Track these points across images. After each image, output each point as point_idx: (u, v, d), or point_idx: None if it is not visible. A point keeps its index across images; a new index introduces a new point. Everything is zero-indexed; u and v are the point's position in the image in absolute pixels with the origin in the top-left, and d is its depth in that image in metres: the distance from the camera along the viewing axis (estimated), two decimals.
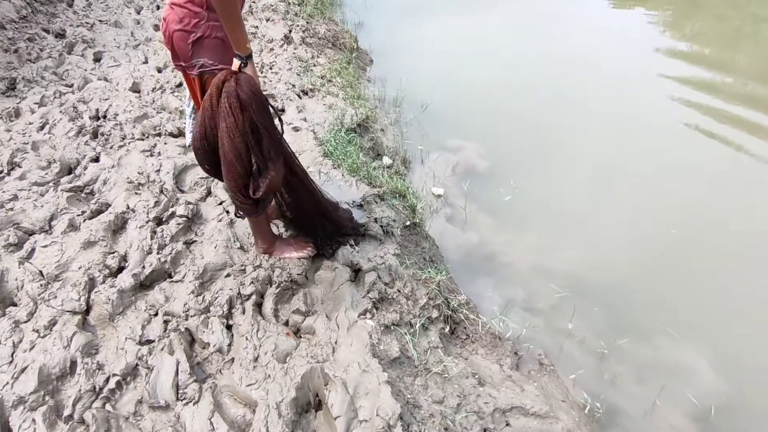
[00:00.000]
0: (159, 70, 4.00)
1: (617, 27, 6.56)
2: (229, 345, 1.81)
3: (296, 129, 3.17)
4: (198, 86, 1.64)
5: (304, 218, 2.09)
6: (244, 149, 1.57)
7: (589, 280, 2.69)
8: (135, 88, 3.68)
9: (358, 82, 4.51)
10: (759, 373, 2.29)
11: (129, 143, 2.97)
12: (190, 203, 2.42)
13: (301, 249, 2.14)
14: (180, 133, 3.09)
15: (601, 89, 4.74)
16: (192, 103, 1.87)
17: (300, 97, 3.70)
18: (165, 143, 2.99)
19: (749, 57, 5.58)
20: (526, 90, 4.75)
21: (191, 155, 2.90)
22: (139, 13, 5.52)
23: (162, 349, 1.77)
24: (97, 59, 4.28)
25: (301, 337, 1.87)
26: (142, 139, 3.03)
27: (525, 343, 2.36)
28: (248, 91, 1.50)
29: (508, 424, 1.96)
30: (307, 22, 5.42)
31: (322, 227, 2.14)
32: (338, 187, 2.59)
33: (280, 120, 1.69)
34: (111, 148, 2.96)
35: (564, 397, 2.15)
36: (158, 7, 5.77)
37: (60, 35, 4.66)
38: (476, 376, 2.08)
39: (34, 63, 4.09)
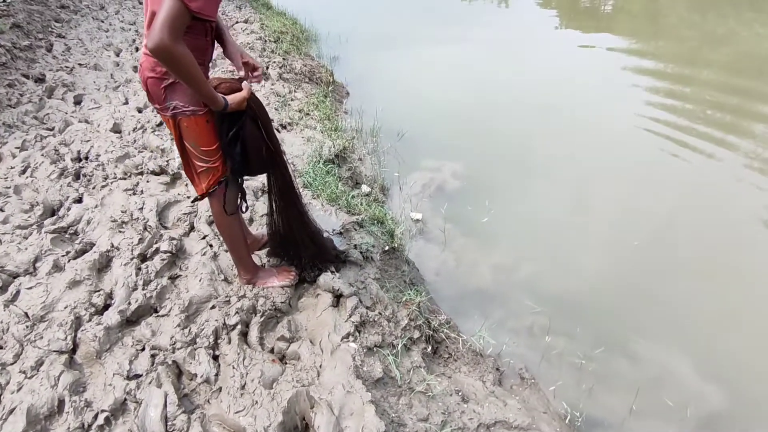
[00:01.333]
0: (139, 110, 4.09)
1: (585, 51, 6.89)
2: (216, 375, 1.85)
3: None
4: (173, 127, 1.73)
5: (291, 236, 2.17)
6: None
7: (563, 295, 2.79)
8: (116, 129, 3.76)
9: (336, 115, 4.65)
10: (731, 372, 2.39)
11: (111, 183, 3.03)
12: (173, 239, 2.48)
13: (283, 277, 2.21)
14: (162, 171, 3.16)
15: (571, 109, 4.97)
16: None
17: (279, 132, 3.82)
18: (147, 181, 3.05)
19: (711, 71, 5.91)
20: (500, 114, 4.96)
21: (174, 191, 2.97)
22: (118, 55, 5.64)
23: (150, 383, 1.80)
24: (78, 102, 4.36)
25: (286, 363, 1.93)
26: (125, 178, 3.09)
27: (506, 359, 2.44)
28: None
29: None
30: (284, 59, 5.59)
31: (306, 248, 2.21)
32: (318, 216, 2.67)
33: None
34: (94, 188, 3.01)
35: (545, 408, 2.23)
36: (137, 49, 5.90)
37: (40, 80, 4.74)
38: (460, 393, 2.15)
39: (14, 108, 4.15)
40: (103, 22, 6.78)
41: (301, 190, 2.73)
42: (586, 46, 7.09)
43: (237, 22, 7.09)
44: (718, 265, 3.02)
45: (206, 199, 1.91)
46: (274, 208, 2.10)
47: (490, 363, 2.37)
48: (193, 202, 1.94)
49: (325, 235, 2.45)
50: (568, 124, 4.70)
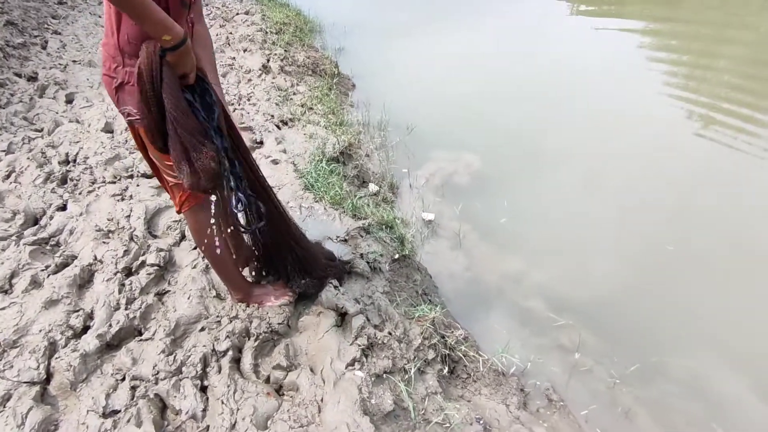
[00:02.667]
0: None
1: (599, 36, 6.55)
2: (204, 410, 1.62)
3: (275, 162, 3.03)
4: (135, 135, 1.48)
5: (274, 250, 1.90)
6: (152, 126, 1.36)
7: (593, 306, 2.53)
8: (107, 129, 3.54)
9: (341, 108, 4.39)
10: None
11: (99, 188, 2.81)
12: (162, 250, 2.26)
13: (281, 294, 1.96)
14: (153, 174, 2.94)
15: (587, 98, 4.67)
16: None
17: (279, 128, 3.57)
18: (137, 185, 2.83)
19: (732, 53, 5.55)
20: (513, 105, 4.66)
21: (165, 196, 2.74)
22: None
23: (128, 421, 1.58)
24: (70, 101, 4.15)
25: (283, 395, 1.69)
26: (114, 182, 2.87)
27: (531, 379, 2.19)
28: (142, 63, 1.27)
29: None
30: (286, 51, 5.33)
31: (293, 261, 1.92)
32: (321, 222, 2.43)
33: (212, 105, 1.44)
34: (80, 194, 2.80)
35: None
36: None
37: (32, 78, 4.53)
38: (481, 422, 1.91)
39: (3, 108, 3.94)
40: (100, 17, 6.56)
41: (302, 191, 2.49)
42: (600, 29, 6.74)
43: (237, 14, 6.82)
44: (761, 266, 2.72)
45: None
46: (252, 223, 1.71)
47: (513, 383, 2.12)
48: (178, 213, 1.66)
49: (327, 244, 2.21)
50: (584, 113, 4.39)
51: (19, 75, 4.55)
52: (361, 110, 4.52)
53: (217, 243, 1.65)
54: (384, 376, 1.78)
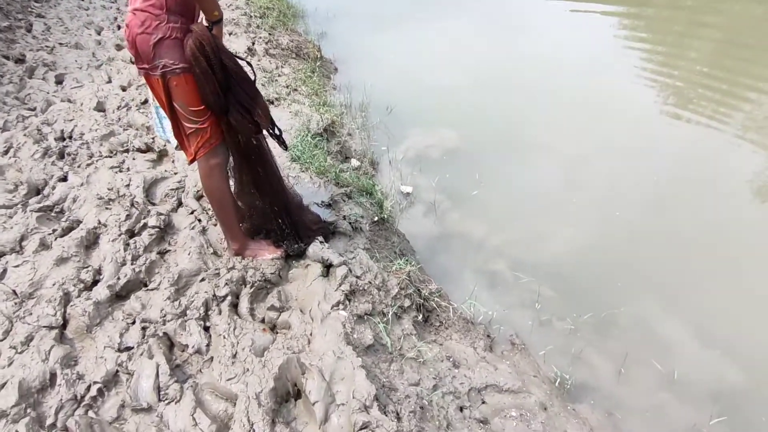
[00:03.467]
0: (123, 89, 4.02)
1: (577, 23, 6.81)
2: (208, 345, 1.86)
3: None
4: (161, 87, 1.71)
5: (271, 212, 2.15)
6: (216, 89, 1.73)
7: (552, 265, 2.81)
8: (100, 108, 3.69)
9: (324, 90, 4.59)
10: (718, 334, 2.43)
11: (97, 161, 2.99)
12: (161, 214, 2.46)
13: (273, 251, 2.20)
14: (148, 149, 3.12)
15: (565, 82, 4.93)
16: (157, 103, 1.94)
17: None
18: (134, 158, 3.02)
19: (701, 45, 5.88)
20: (490, 89, 4.92)
21: (161, 168, 2.94)
22: (99, 33, 5.51)
23: (141, 355, 1.81)
24: (59, 81, 4.27)
25: (277, 332, 1.94)
26: (110, 156, 3.05)
27: (496, 326, 2.47)
28: (197, 37, 1.65)
29: (483, 402, 2.06)
30: (270, 34, 5.49)
31: (285, 216, 2.17)
32: (307, 189, 2.66)
33: (250, 65, 1.87)
34: (79, 167, 2.97)
35: (535, 372, 2.26)
36: (119, 27, 5.77)
37: (20, 60, 4.62)
38: (451, 359, 2.18)
39: None
40: (83, 0, 6.60)
41: (290, 162, 2.71)
42: (576, 11, 7.02)
43: None
44: (706, 232, 3.05)
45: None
46: (248, 169, 2.03)
47: (480, 330, 2.39)
48: (190, 163, 1.91)
49: (312, 207, 2.44)
50: (559, 96, 4.67)
51: (6, 57, 4.64)
52: (343, 92, 4.72)
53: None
54: (365, 317, 2.03)
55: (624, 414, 2.12)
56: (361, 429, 1.51)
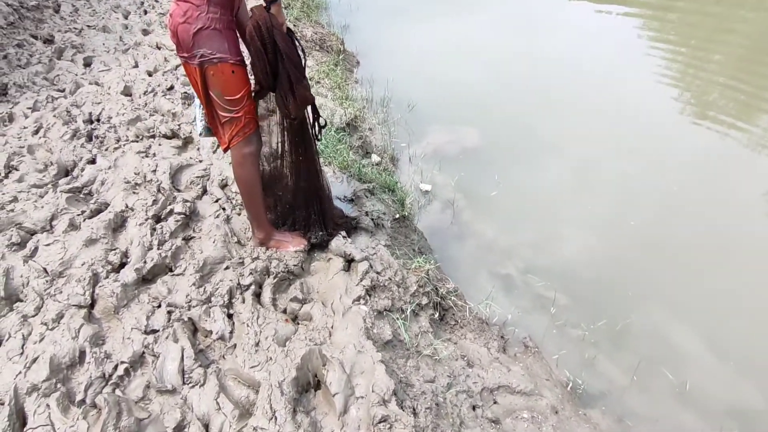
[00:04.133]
0: (150, 74, 4.07)
1: (599, 24, 6.76)
2: (231, 332, 1.91)
3: None
4: (199, 75, 1.77)
5: (302, 201, 2.27)
6: (266, 68, 1.84)
7: (568, 270, 2.83)
8: (127, 92, 3.75)
9: (346, 84, 4.62)
10: (733, 347, 2.44)
11: (124, 145, 3.05)
12: (187, 201, 2.51)
13: (298, 242, 2.24)
14: (174, 135, 3.17)
15: (586, 84, 4.92)
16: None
17: None
18: (159, 144, 3.07)
19: (725, 52, 5.81)
20: (512, 88, 4.91)
21: (186, 155, 2.99)
22: (126, 18, 5.57)
23: (167, 338, 1.86)
24: (87, 64, 4.34)
25: (299, 323, 1.98)
26: (137, 141, 3.11)
27: (511, 328, 2.50)
28: (254, 18, 1.78)
29: (495, 402, 2.09)
30: (294, 26, 5.51)
31: (316, 213, 2.28)
32: (331, 183, 2.69)
33: (301, 48, 1.94)
34: (107, 150, 3.03)
35: (548, 375, 2.29)
36: (145, 12, 5.83)
37: (48, 41, 4.70)
38: (465, 358, 2.21)
39: (24, 69, 4.13)
40: None
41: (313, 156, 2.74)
42: (601, 12, 6.97)
43: None
44: (723, 242, 3.04)
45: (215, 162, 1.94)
46: (291, 150, 2.16)
47: (495, 331, 2.42)
48: (225, 151, 2.00)
49: (336, 202, 2.48)
50: (580, 97, 4.66)
51: (35, 37, 4.72)
52: (365, 86, 4.75)
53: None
54: (384, 313, 2.07)
55: (635, 421, 2.14)
56: (379, 422, 1.55)
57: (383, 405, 1.61)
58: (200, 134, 2.09)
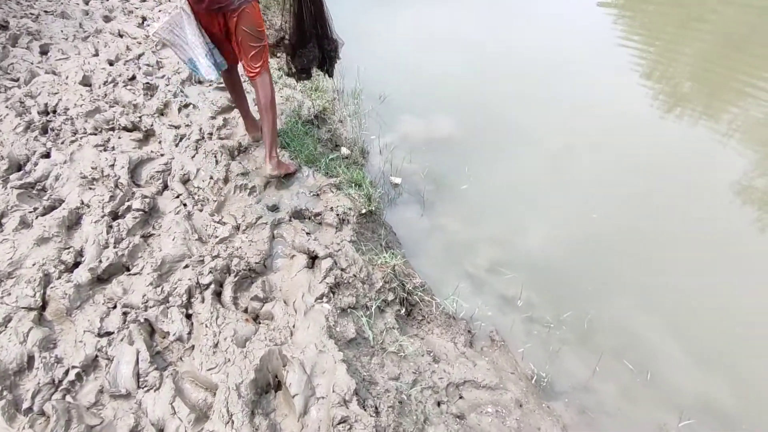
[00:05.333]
0: (111, 63, 3.92)
1: (575, 14, 6.78)
2: (189, 333, 1.86)
3: None
4: (231, 18, 2.19)
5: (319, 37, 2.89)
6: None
7: (535, 264, 2.84)
8: (86, 82, 3.60)
9: (316, 74, 4.52)
10: (693, 336, 2.49)
11: (81, 138, 2.93)
12: (146, 197, 2.43)
13: (293, 166, 2.72)
14: (134, 127, 3.06)
15: (559, 76, 4.92)
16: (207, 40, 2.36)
17: None
18: (119, 137, 2.96)
19: (696, 44, 5.91)
20: (485, 79, 4.88)
21: (147, 149, 2.89)
22: (87, 3, 5.34)
23: (122, 340, 1.80)
24: (44, 52, 4.15)
25: (260, 322, 1.94)
26: (95, 134, 2.99)
27: (478, 322, 2.50)
28: None
29: (461, 397, 2.09)
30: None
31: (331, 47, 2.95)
32: (296, 177, 2.64)
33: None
34: (62, 143, 2.91)
35: (513, 369, 2.30)
36: None
37: (2, 27, 4.48)
38: (431, 354, 2.21)
39: None
40: None
41: (279, 149, 2.69)
42: (578, 2, 7.01)
43: None
44: (689, 233, 3.09)
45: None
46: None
47: (462, 325, 2.42)
48: (253, 78, 2.44)
49: (300, 197, 2.44)
50: (554, 89, 4.66)
51: None
52: (335, 77, 4.66)
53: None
54: (348, 310, 2.04)
55: (597, 412, 2.17)
56: (339, 423, 1.53)
57: (344, 405, 1.59)
58: (214, 80, 2.47)
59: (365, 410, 1.62)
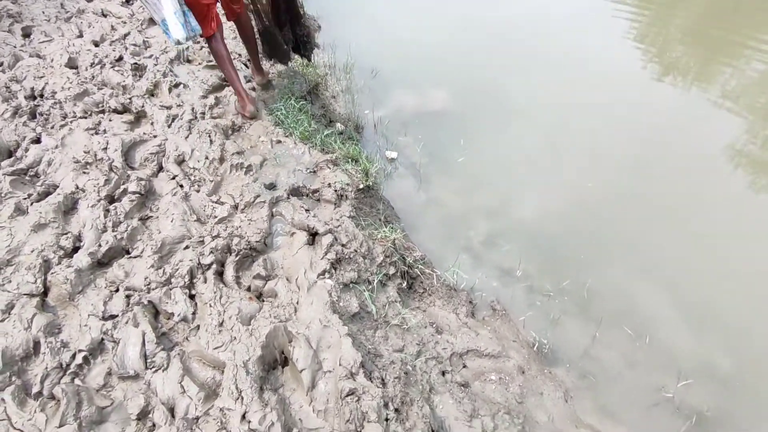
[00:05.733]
0: (96, 44, 3.83)
1: None
2: (194, 313, 1.86)
3: None
4: None
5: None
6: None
7: (534, 234, 2.85)
8: (72, 64, 3.52)
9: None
10: (690, 301, 2.52)
11: (71, 122, 2.88)
12: (141, 179, 2.41)
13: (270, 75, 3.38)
14: (125, 109, 3.01)
15: (553, 45, 4.84)
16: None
17: (247, 66, 3.65)
18: (110, 120, 2.91)
19: (688, 12, 5.83)
20: (475, 48, 4.81)
21: (139, 130, 2.85)
22: None
23: (126, 323, 1.80)
24: (27, 35, 4.04)
25: (263, 300, 1.95)
26: (85, 117, 2.94)
27: (479, 292, 2.53)
28: None
29: (464, 366, 2.13)
30: None
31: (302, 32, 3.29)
32: (291, 154, 2.62)
33: None
34: (52, 128, 2.86)
35: (515, 337, 2.34)
36: None
37: None
38: (434, 325, 2.23)
39: None
40: None
41: (273, 126, 2.65)
42: None
43: None
44: (684, 199, 3.10)
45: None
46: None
47: (463, 296, 2.45)
48: (233, 19, 2.88)
49: (297, 174, 2.42)
50: (545, 58, 4.60)
51: None
52: (327, 52, 4.58)
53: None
54: (350, 285, 2.05)
55: (597, 376, 2.21)
56: (348, 395, 1.55)
57: (351, 378, 1.61)
58: (182, 40, 2.47)
59: (372, 382, 1.65)
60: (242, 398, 1.52)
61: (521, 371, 2.13)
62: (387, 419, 1.56)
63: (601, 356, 2.31)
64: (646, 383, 2.21)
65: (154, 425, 1.55)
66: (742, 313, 2.47)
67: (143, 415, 1.57)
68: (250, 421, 1.46)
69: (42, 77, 3.35)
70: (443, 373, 2.00)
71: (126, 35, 3.92)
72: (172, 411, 1.58)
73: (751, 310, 2.48)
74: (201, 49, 3.78)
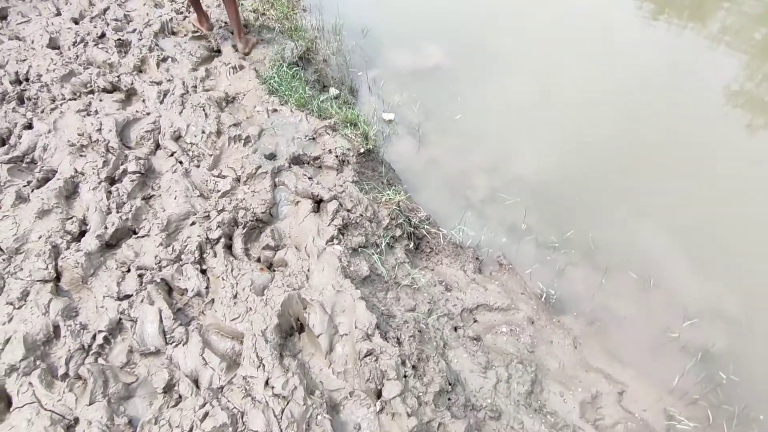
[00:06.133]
0: (75, 22, 3.70)
1: None
2: (207, 288, 1.89)
3: (236, 68, 3.08)
4: None
5: None
6: None
7: (536, 186, 2.85)
8: (53, 45, 3.42)
9: (294, 13, 4.31)
10: (692, 245, 2.55)
11: (61, 104, 2.82)
12: (140, 158, 2.39)
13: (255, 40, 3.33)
14: (114, 88, 2.95)
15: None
16: None
17: (232, 34, 3.54)
18: (100, 100, 2.86)
19: None
20: (465, 4, 4.68)
21: (131, 109, 2.80)
22: None
23: (142, 301, 1.83)
24: (3, 17, 3.90)
25: (274, 270, 1.97)
26: (75, 99, 2.88)
27: (485, 248, 2.55)
28: None
29: (475, 321, 2.18)
30: None
31: None
32: (289, 123, 2.59)
33: None
34: (42, 112, 2.81)
35: (522, 290, 2.38)
36: None
37: None
38: (443, 283, 2.27)
39: None
40: None
41: (268, 96, 2.61)
42: None
43: None
44: (682, 141, 3.09)
45: None
46: None
47: (470, 253, 2.47)
48: None
49: (296, 142, 2.40)
50: (535, 10, 4.48)
51: None
52: (314, 15, 4.44)
53: None
54: (359, 249, 2.07)
55: (605, 322, 2.27)
56: (366, 356, 1.59)
57: (367, 339, 1.65)
58: None
59: (388, 342, 1.69)
60: (264, 365, 1.57)
61: (531, 322, 2.18)
62: (405, 376, 1.60)
63: (608, 302, 2.36)
64: (652, 325, 2.26)
65: (180, 397, 1.60)
66: (744, 252, 2.51)
67: (169, 388, 1.62)
68: (273, 387, 1.51)
69: (25, 60, 3.26)
70: (455, 329, 2.05)
71: (106, 9, 3.79)
72: (196, 382, 1.63)
73: (755, 248, 2.52)
74: (185, 19, 3.66)
